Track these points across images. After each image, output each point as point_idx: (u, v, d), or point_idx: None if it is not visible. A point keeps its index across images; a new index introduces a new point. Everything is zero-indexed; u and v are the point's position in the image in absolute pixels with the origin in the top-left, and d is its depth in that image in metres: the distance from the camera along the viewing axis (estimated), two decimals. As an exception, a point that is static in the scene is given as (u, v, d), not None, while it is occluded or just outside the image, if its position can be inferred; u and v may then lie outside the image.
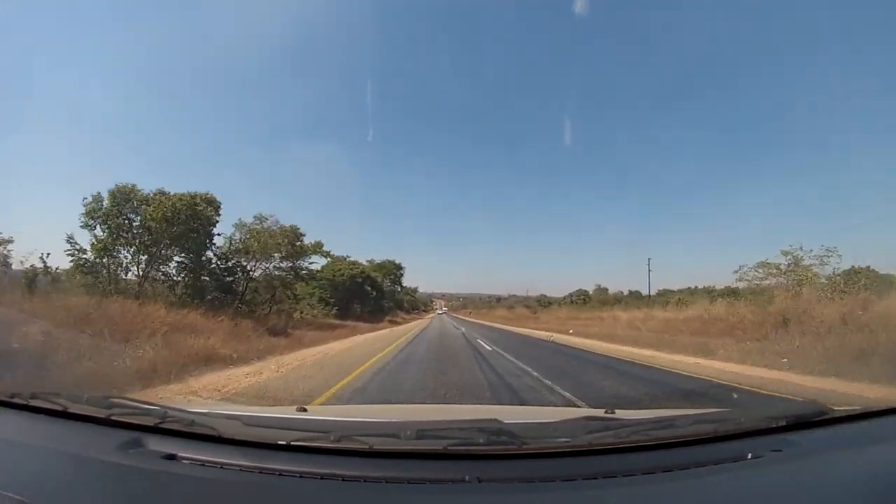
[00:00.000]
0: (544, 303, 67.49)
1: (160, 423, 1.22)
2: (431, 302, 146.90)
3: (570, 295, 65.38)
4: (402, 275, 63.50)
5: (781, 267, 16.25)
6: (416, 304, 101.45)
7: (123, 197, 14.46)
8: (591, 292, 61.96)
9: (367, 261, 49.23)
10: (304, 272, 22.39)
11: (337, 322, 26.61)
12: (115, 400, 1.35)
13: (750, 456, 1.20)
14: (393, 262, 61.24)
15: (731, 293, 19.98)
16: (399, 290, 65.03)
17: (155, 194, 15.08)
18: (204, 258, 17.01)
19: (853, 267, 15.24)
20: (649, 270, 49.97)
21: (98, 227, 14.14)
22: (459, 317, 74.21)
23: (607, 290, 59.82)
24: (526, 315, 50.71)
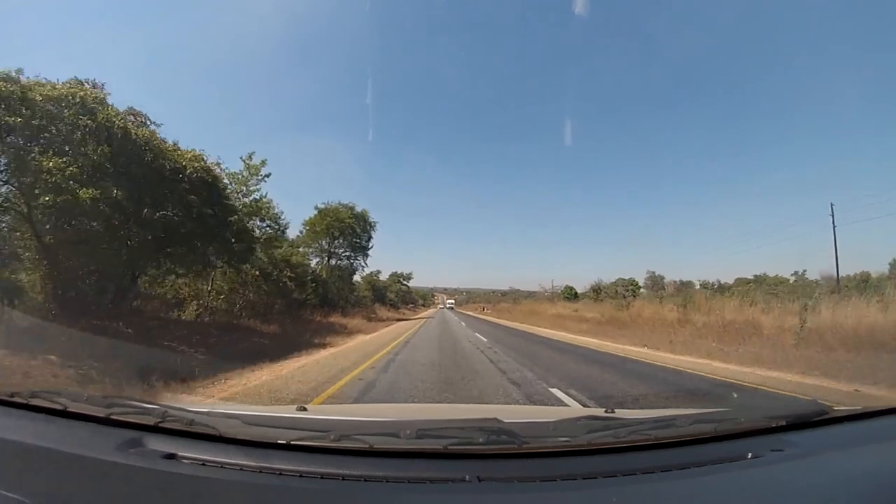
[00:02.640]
0: (569, 295, 50.25)
1: (160, 422, 1.22)
2: (433, 296, 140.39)
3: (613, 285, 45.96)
4: (370, 238, 32.05)
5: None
6: (408, 297, 78.25)
7: None
8: (640, 282, 45.25)
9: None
10: None
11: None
12: (115, 399, 1.35)
13: (750, 456, 1.21)
14: (349, 209, 30.42)
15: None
16: (362, 266, 33.41)
17: None
18: None
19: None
20: (836, 238, 24.74)
21: None
22: (475, 315, 50.43)
23: (663, 277, 44.72)
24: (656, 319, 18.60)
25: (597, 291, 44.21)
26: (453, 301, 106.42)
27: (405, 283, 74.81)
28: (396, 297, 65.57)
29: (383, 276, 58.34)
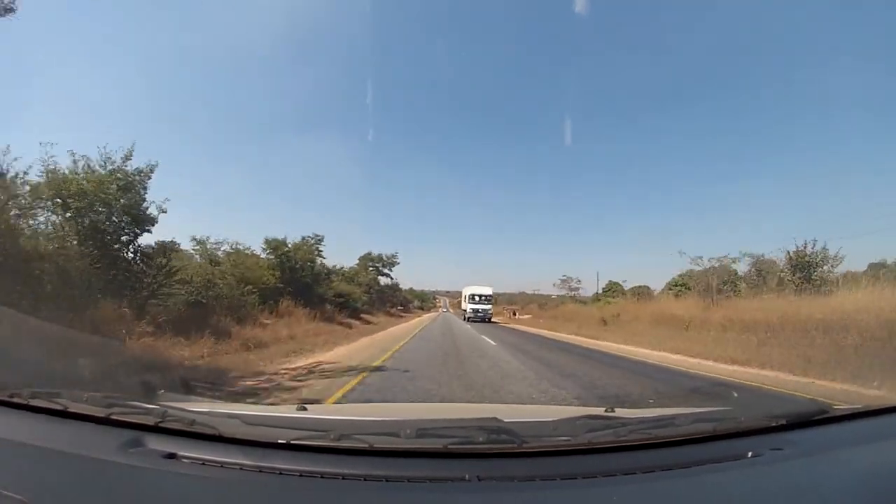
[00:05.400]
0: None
1: (160, 422, 1.22)
2: (434, 299, 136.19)
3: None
4: None
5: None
6: (393, 296, 51.20)
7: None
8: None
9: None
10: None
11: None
12: (116, 399, 1.35)
13: (750, 455, 1.21)
14: None
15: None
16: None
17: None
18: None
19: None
20: None
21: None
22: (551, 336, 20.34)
23: (774, 262, 20.50)
24: None
25: (761, 275, 21.23)
26: (490, 294, 38.70)
27: (386, 270, 44.83)
28: (370, 294, 36.47)
29: (344, 258, 37.62)
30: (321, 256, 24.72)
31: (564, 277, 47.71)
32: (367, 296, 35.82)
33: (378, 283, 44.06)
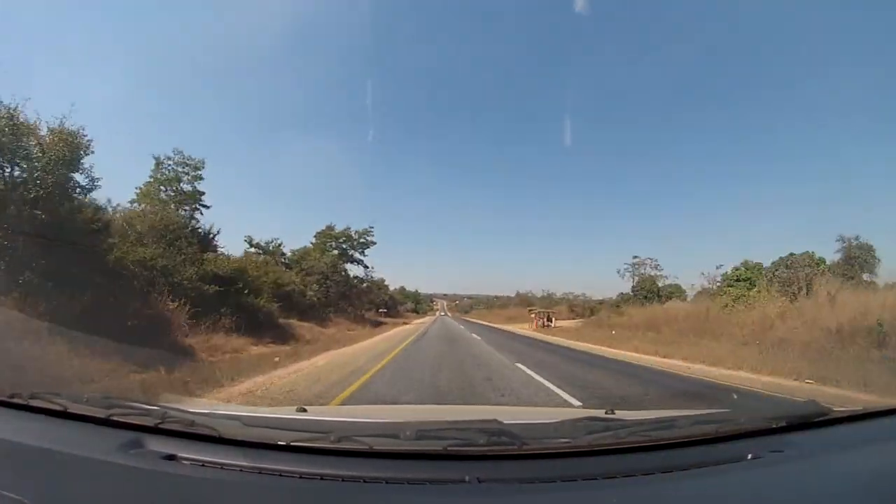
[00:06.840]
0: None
1: (160, 423, 1.22)
2: (432, 301, 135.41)
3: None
4: None
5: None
6: (378, 298, 42.02)
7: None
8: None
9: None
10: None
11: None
12: (115, 400, 1.35)
13: (750, 457, 1.21)
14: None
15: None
16: None
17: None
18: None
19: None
20: None
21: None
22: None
23: (872, 247, 20.49)
24: None
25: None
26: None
27: (358, 254, 31.66)
28: (326, 287, 26.01)
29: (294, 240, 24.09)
30: (199, 206, 14.15)
31: (637, 260, 32.24)
32: (321, 289, 24.22)
33: (344, 272, 28.99)
